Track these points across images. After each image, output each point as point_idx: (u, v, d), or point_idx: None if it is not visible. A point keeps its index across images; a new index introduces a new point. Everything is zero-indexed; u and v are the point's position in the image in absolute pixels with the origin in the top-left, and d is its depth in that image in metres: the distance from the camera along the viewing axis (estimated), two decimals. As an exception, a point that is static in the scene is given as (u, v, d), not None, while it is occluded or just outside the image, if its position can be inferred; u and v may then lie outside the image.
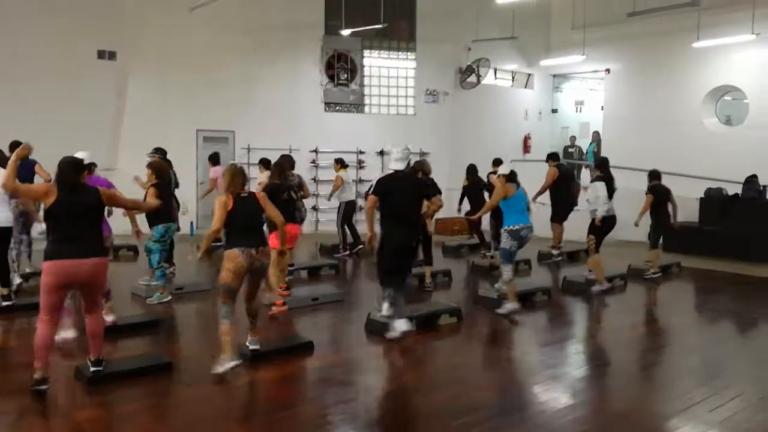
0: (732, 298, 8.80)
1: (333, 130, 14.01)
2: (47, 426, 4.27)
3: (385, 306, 6.29)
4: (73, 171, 4.65)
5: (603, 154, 15.65)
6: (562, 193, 10.48)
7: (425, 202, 6.70)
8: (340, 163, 11.32)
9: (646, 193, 9.35)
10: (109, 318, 5.91)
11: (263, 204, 5.39)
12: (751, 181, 11.65)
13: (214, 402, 4.66)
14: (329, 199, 11.39)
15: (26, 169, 7.36)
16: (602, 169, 8.76)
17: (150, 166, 7.45)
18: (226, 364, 5.04)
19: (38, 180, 7.72)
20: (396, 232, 6.30)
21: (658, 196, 9.33)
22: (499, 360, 6.14)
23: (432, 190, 6.74)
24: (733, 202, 11.66)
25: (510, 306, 7.23)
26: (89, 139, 11.41)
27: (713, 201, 11.85)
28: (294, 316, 7.08)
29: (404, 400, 4.95)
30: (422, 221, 6.95)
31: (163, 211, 7.09)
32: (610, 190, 8.55)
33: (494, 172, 9.60)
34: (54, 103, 11.62)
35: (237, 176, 5.31)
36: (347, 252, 11.16)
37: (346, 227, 11.26)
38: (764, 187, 11.60)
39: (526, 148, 16.51)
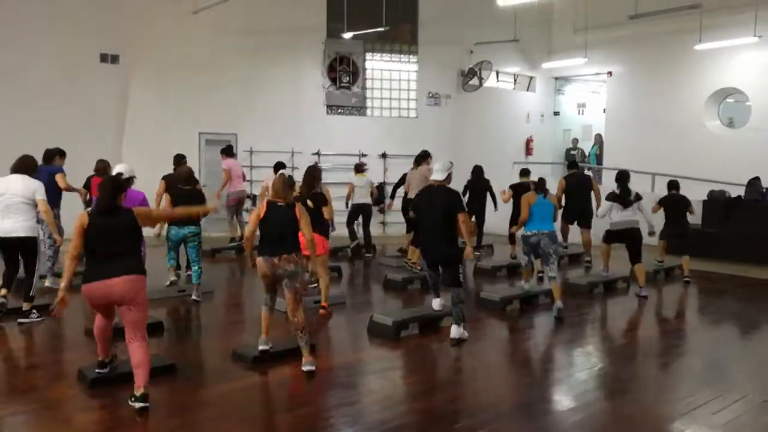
0: (735, 300, 8.78)
1: (335, 133, 14.03)
2: (48, 429, 4.27)
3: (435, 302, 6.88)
4: (109, 195, 4.62)
5: (605, 156, 15.72)
6: (571, 201, 10.53)
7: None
8: (356, 168, 11.41)
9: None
10: None
11: (299, 215, 5.44)
12: (754, 183, 11.64)
13: (216, 404, 4.66)
14: (347, 206, 11.34)
15: (45, 175, 7.44)
16: (618, 184, 8.82)
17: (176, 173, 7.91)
18: (259, 345, 5.49)
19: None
20: (424, 246, 6.74)
21: (666, 206, 9.70)
22: (502, 362, 6.14)
23: (458, 205, 6.41)
24: (736, 205, 11.65)
25: (525, 285, 8.08)
26: (92, 142, 11.49)
27: (716, 203, 11.84)
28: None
29: (407, 402, 4.94)
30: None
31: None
32: (624, 203, 8.61)
33: (527, 184, 9.78)
34: (57, 106, 11.64)
35: (283, 188, 5.48)
36: (370, 255, 11.32)
37: (355, 227, 11.42)
38: (767, 189, 11.59)
39: (528, 151, 16.52)
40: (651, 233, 8.82)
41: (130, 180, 7.09)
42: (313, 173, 7.60)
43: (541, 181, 7.91)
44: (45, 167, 7.85)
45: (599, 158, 16.27)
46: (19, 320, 6.57)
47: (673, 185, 9.83)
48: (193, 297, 7.75)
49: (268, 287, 5.52)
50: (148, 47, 12.68)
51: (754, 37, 11.91)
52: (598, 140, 16.63)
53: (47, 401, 4.67)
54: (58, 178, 7.94)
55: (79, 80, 12.01)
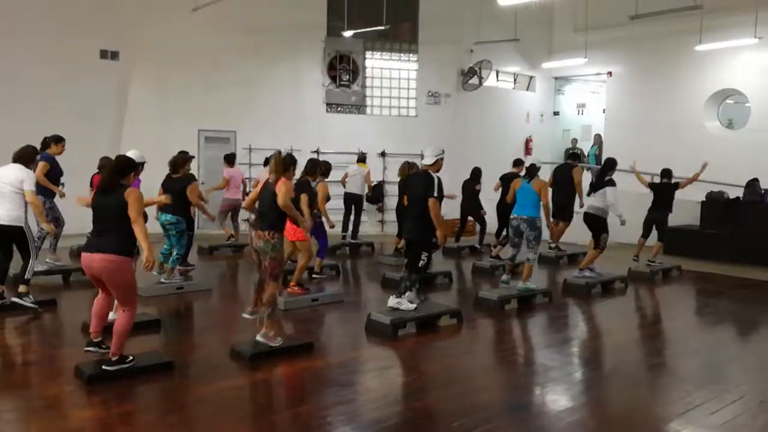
0: (733, 301, 8.79)
1: (334, 131, 14.02)
2: (45, 424, 4.26)
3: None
4: (108, 174, 4.92)
5: (604, 156, 15.69)
6: (555, 193, 10.64)
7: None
8: (359, 158, 11.94)
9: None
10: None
11: (277, 190, 5.50)
12: (753, 184, 11.64)
13: (213, 401, 4.65)
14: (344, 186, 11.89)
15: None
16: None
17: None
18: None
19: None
20: (404, 225, 7.16)
21: (654, 191, 10.21)
22: (499, 361, 6.14)
23: (429, 190, 6.49)
24: (735, 206, 11.65)
25: (504, 277, 8.17)
26: (91, 138, 11.47)
27: (714, 204, 11.84)
28: (294, 316, 7.07)
29: (404, 401, 4.94)
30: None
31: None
32: (591, 188, 9.01)
33: (516, 173, 10.17)
34: (56, 102, 11.62)
35: (275, 163, 5.63)
36: (354, 240, 11.81)
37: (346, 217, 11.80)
38: (765, 190, 11.60)
39: (528, 151, 16.51)
40: (622, 223, 8.77)
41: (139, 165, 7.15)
42: (317, 163, 8.14)
43: (531, 168, 8.11)
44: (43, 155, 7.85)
45: (598, 158, 16.25)
46: (13, 299, 6.71)
47: (665, 173, 10.17)
48: (160, 275, 7.92)
49: (256, 263, 5.71)
50: (148, 44, 12.67)
51: (754, 39, 11.91)
52: (598, 140, 16.63)
53: (44, 398, 4.66)
54: (40, 165, 7.86)
55: (79, 76, 11.99)
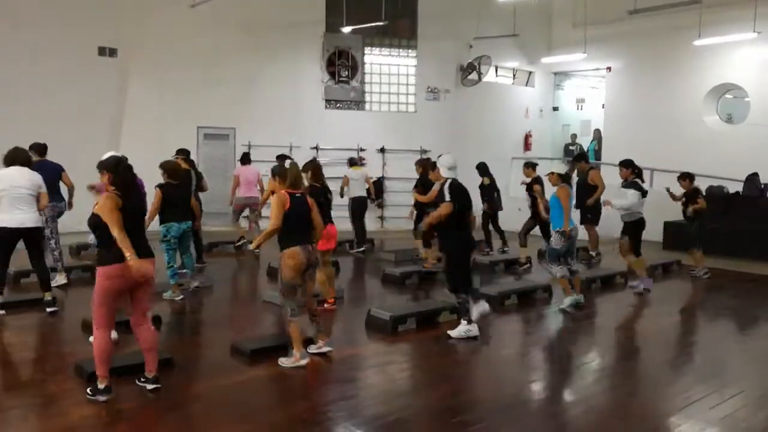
0: (733, 295, 8.79)
1: (334, 127, 14.02)
2: (45, 422, 4.26)
3: (476, 310, 6.32)
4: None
5: (604, 152, 15.72)
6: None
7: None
8: (349, 162, 11.47)
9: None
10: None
11: (311, 206, 5.50)
12: (752, 179, 11.64)
13: (214, 398, 4.66)
14: (342, 196, 11.11)
15: (52, 174, 7.47)
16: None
17: (160, 166, 7.54)
18: (298, 360, 5.26)
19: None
20: (468, 239, 6.46)
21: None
22: (499, 357, 6.14)
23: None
24: (734, 200, 11.65)
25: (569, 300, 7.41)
26: (90, 136, 11.46)
27: (714, 199, 11.81)
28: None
29: (404, 396, 4.95)
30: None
31: (167, 211, 7.33)
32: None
33: (535, 179, 9.78)
34: (55, 99, 11.60)
35: (298, 176, 5.52)
36: (362, 248, 11.21)
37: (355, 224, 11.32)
38: (765, 185, 11.60)
39: (527, 146, 16.52)
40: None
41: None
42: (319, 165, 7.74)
43: (567, 176, 7.77)
44: (49, 162, 7.73)
45: (598, 153, 16.26)
46: (48, 310, 6.69)
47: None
48: (196, 285, 7.82)
49: (293, 289, 5.35)
50: (147, 41, 12.65)
51: (753, 33, 11.90)
52: (597, 135, 16.62)
53: (44, 395, 4.66)
54: (64, 176, 7.85)
55: (78, 74, 11.97)
